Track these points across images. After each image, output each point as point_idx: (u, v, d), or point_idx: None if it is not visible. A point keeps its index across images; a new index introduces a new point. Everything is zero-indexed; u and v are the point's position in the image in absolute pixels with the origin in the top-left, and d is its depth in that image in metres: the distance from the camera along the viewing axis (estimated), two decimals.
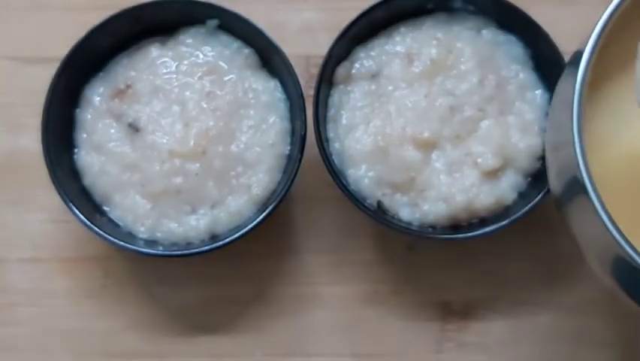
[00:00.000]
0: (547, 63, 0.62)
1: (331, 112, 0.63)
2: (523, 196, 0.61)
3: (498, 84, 0.62)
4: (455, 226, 0.61)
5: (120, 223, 0.62)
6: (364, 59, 0.63)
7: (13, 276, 0.65)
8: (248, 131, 0.62)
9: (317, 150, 0.60)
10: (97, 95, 0.63)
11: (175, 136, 0.61)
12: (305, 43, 0.68)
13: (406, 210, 0.61)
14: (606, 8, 0.46)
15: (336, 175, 0.60)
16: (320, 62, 0.62)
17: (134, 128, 0.61)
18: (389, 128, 0.61)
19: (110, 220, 0.62)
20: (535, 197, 0.60)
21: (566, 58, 0.61)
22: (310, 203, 0.66)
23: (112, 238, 0.59)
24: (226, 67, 0.63)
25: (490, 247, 0.64)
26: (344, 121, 0.62)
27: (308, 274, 0.65)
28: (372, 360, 0.64)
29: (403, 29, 0.63)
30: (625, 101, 0.47)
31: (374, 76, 0.63)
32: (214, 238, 0.61)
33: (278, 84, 0.63)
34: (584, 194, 0.42)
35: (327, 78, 0.62)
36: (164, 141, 0.61)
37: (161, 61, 0.63)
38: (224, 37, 0.64)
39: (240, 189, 0.61)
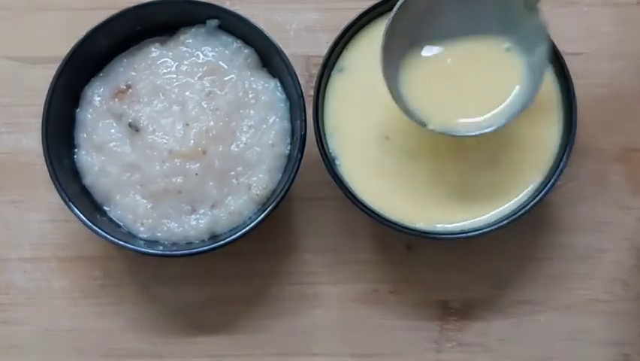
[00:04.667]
0: None
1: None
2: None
3: None
4: None
5: (120, 223, 0.62)
6: None
7: (13, 275, 0.65)
8: (248, 131, 0.62)
9: (317, 150, 0.60)
10: (97, 95, 0.63)
11: (175, 136, 0.61)
12: (305, 43, 0.68)
13: None
14: None
15: (336, 175, 0.60)
16: (320, 61, 0.62)
17: (134, 128, 0.62)
18: None
19: (110, 220, 0.62)
20: (536, 197, 0.60)
21: (565, 57, 0.61)
22: (310, 203, 0.66)
23: (112, 238, 0.59)
24: (226, 67, 0.63)
25: (489, 246, 0.65)
26: None
27: (307, 274, 0.65)
28: (372, 359, 0.65)
29: None
30: None
31: None
32: (214, 237, 0.61)
33: (278, 84, 0.63)
34: None
35: (326, 78, 0.62)
36: (165, 140, 0.61)
37: (161, 61, 0.63)
38: (225, 38, 0.64)
39: (239, 189, 0.61)
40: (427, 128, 0.58)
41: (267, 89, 0.63)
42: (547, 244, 0.65)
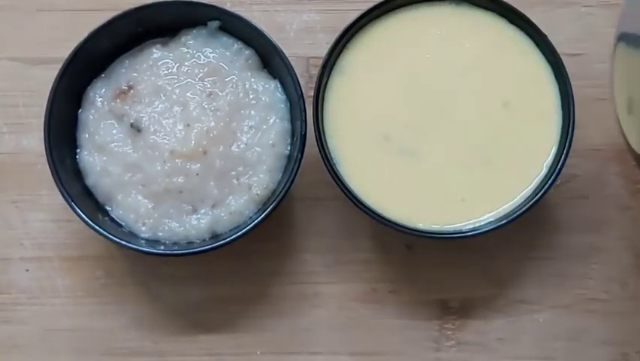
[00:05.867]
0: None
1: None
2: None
3: None
4: None
5: (122, 223, 0.62)
6: None
7: (16, 275, 0.65)
8: (248, 131, 0.62)
9: (317, 150, 0.61)
10: (99, 96, 0.63)
11: (176, 136, 0.61)
12: (305, 44, 0.68)
13: None
14: None
15: (336, 175, 0.60)
16: (320, 62, 0.62)
17: (135, 128, 0.62)
18: None
19: (112, 220, 0.62)
20: (534, 197, 0.60)
21: (563, 58, 0.62)
22: (310, 203, 0.66)
23: (114, 238, 0.59)
24: (227, 68, 0.63)
25: (488, 246, 0.65)
26: None
27: (307, 274, 0.65)
28: (371, 359, 0.65)
29: None
30: None
31: None
32: (215, 237, 0.61)
33: (278, 85, 0.64)
34: None
35: (326, 79, 0.63)
36: (166, 141, 0.61)
37: (162, 62, 0.63)
38: (225, 39, 0.64)
39: (240, 189, 0.62)
40: None
41: (267, 90, 0.63)
42: (545, 243, 0.66)
